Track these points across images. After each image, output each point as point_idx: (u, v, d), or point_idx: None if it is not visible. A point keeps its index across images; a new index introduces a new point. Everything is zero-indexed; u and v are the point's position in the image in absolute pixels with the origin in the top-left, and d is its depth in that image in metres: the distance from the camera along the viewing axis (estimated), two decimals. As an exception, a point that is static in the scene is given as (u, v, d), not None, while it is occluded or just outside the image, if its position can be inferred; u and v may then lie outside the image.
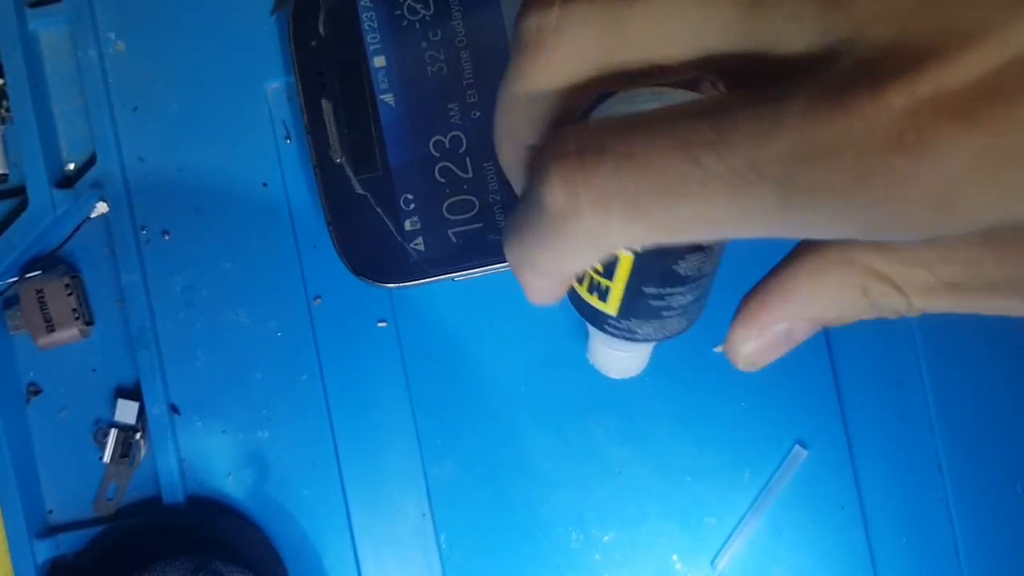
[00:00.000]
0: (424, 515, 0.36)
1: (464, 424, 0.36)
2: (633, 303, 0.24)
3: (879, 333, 0.36)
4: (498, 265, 0.33)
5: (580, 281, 0.25)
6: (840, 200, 0.14)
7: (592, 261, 0.20)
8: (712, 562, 0.36)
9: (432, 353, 0.36)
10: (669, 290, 0.24)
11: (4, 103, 0.35)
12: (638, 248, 0.19)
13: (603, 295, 0.25)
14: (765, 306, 0.21)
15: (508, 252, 0.21)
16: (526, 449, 0.36)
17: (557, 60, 0.18)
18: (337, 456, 0.36)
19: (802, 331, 0.22)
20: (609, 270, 0.24)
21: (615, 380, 0.33)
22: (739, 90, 0.16)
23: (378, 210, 0.33)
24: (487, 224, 0.33)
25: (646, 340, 0.26)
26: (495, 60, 0.33)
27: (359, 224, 0.33)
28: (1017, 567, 0.36)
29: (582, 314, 0.27)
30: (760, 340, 0.22)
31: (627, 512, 0.36)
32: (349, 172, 0.33)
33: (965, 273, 0.18)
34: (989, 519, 0.36)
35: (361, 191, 0.33)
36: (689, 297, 0.24)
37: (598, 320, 0.26)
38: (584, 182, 0.16)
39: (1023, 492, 0.36)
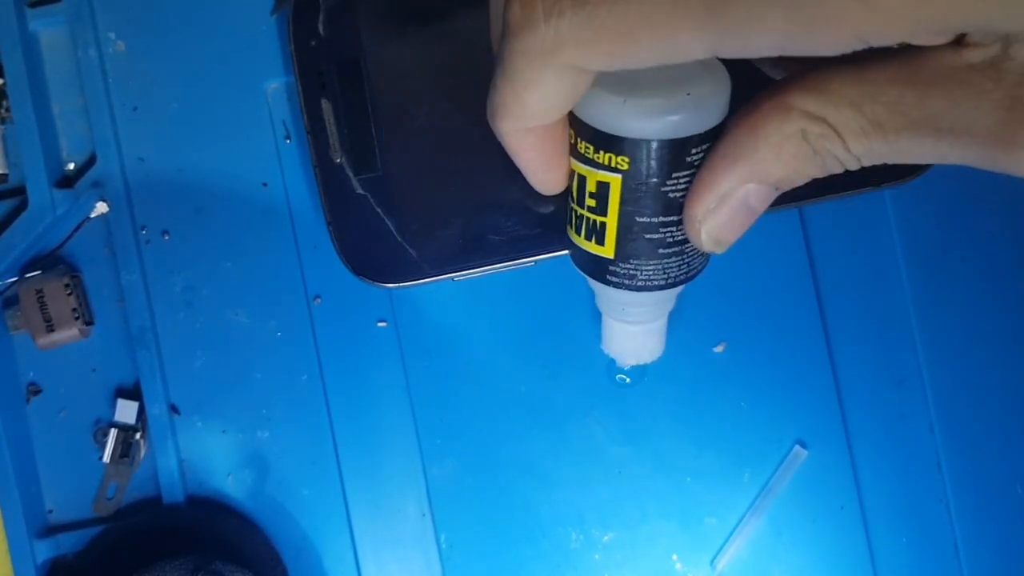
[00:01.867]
0: (424, 515, 0.36)
1: (464, 424, 0.36)
2: (629, 239, 0.24)
3: (879, 333, 0.36)
4: (498, 265, 0.33)
5: (578, 230, 0.25)
6: (773, 4, 0.16)
7: (550, 85, 0.21)
8: (712, 562, 0.36)
9: (432, 353, 0.36)
10: (663, 219, 0.24)
11: (4, 103, 0.35)
12: (591, 68, 0.20)
13: (600, 236, 0.25)
14: (714, 171, 0.22)
15: (488, 110, 0.23)
16: (526, 449, 0.36)
17: None
18: (337, 456, 0.36)
19: (757, 196, 0.22)
20: (602, 201, 0.24)
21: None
22: None
23: (378, 210, 0.33)
24: (487, 224, 0.33)
25: (649, 287, 0.25)
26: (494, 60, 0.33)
27: (359, 224, 0.33)
28: (1017, 567, 0.36)
29: (584, 270, 0.27)
30: (720, 213, 0.22)
31: (627, 512, 0.36)
32: (349, 172, 0.33)
33: (889, 112, 0.19)
34: (989, 519, 0.36)
35: (361, 191, 0.33)
36: (683, 233, 0.24)
37: (600, 270, 0.26)
38: None
39: (1023, 492, 0.36)
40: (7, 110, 0.35)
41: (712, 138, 0.22)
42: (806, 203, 0.33)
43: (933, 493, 0.36)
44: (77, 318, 0.35)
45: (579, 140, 0.24)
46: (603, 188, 0.23)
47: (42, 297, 0.34)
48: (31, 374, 0.36)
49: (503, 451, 0.36)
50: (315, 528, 0.36)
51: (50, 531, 0.36)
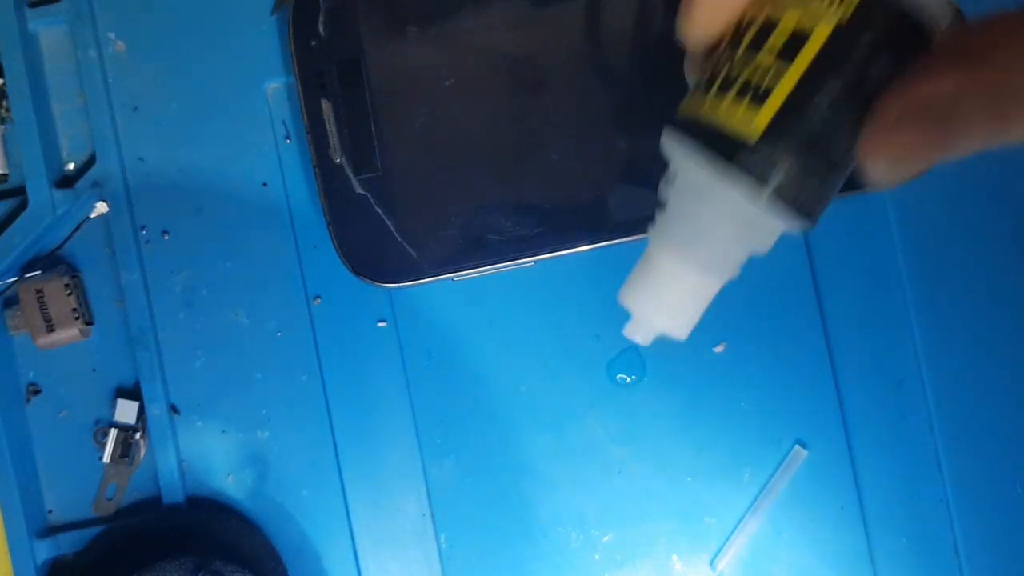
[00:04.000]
0: (424, 515, 0.36)
1: (464, 424, 0.36)
2: (796, 114, 0.18)
3: (879, 333, 0.36)
4: (498, 265, 0.33)
5: (725, 89, 0.19)
6: None
7: None
8: (712, 562, 0.36)
9: (432, 353, 0.36)
10: (843, 113, 0.18)
11: (4, 103, 0.35)
12: None
13: (759, 98, 0.18)
14: (936, 70, 0.17)
15: None
16: (526, 449, 0.36)
17: None
18: (337, 456, 0.36)
19: (964, 136, 0.17)
20: (791, 50, 0.18)
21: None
22: None
23: (378, 210, 0.33)
24: (487, 224, 0.33)
25: (774, 194, 0.19)
26: (494, 60, 0.33)
27: (359, 224, 0.33)
28: (1017, 567, 0.36)
29: (697, 149, 0.19)
30: (910, 134, 0.17)
31: (627, 512, 0.36)
32: (349, 172, 0.33)
33: None
34: (989, 519, 0.36)
35: (361, 191, 0.33)
36: (850, 148, 0.19)
37: (726, 150, 0.19)
38: None
39: (1023, 492, 0.36)
40: (7, 110, 0.35)
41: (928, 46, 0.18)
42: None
43: (933, 493, 0.36)
44: (77, 318, 0.35)
45: None
46: (796, 41, 0.18)
47: (42, 297, 0.34)
48: (31, 374, 0.36)
49: (503, 451, 0.36)
50: (315, 528, 0.36)
51: (50, 531, 0.36)
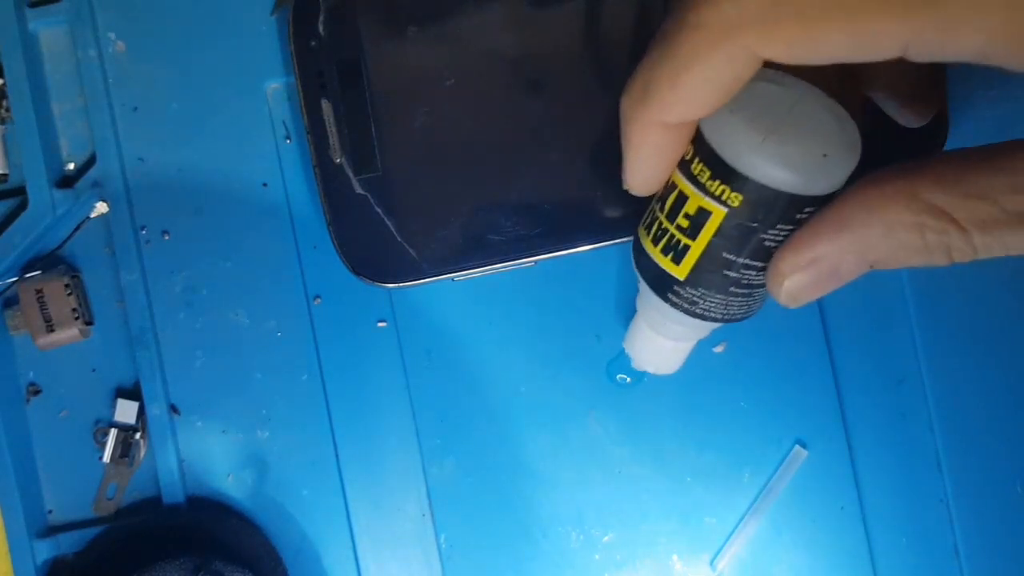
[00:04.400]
0: (424, 515, 0.36)
1: (464, 424, 0.36)
2: (706, 269, 0.23)
3: (879, 333, 0.36)
4: (498, 265, 0.33)
5: (656, 241, 0.24)
6: None
7: (714, 70, 0.19)
8: (712, 562, 0.36)
9: (432, 353, 0.36)
10: (748, 262, 0.23)
11: (4, 103, 0.35)
12: (766, 55, 0.18)
13: (678, 255, 0.23)
14: (818, 235, 0.21)
15: (626, 94, 0.21)
16: (526, 449, 0.36)
17: None
18: (337, 456, 0.36)
19: (849, 268, 0.21)
20: (695, 226, 0.22)
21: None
22: None
23: (378, 210, 0.33)
24: (487, 224, 0.33)
25: (705, 317, 0.25)
26: (494, 60, 0.33)
27: (359, 224, 0.33)
28: (1017, 567, 0.36)
29: (646, 277, 0.25)
30: (808, 273, 0.21)
31: (627, 512, 0.36)
32: (349, 172, 0.33)
33: None
34: (989, 519, 0.36)
35: (361, 191, 0.33)
36: (760, 279, 0.23)
37: (663, 285, 0.25)
38: None
39: (1023, 492, 0.36)
40: (7, 110, 0.35)
41: (827, 201, 0.22)
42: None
43: (933, 493, 0.36)
44: (77, 318, 0.35)
45: (696, 159, 0.22)
46: (702, 215, 0.22)
47: (42, 297, 0.34)
48: (31, 374, 0.36)
49: (503, 451, 0.36)
50: (315, 528, 0.36)
51: (50, 531, 0.36)
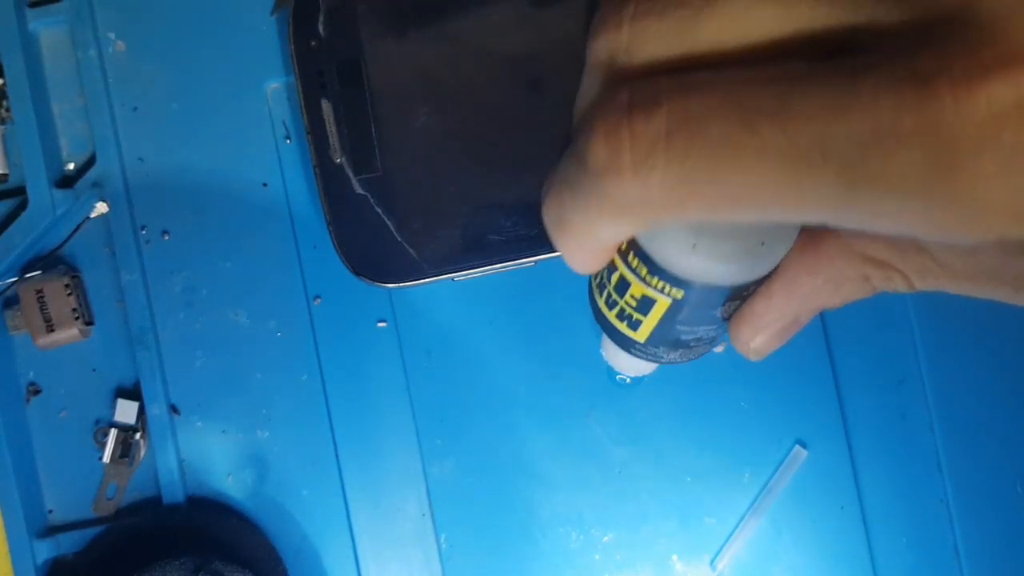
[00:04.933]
0: (424, 515, 0.36)
1: (464, 424, 0.36)
2: (664, 336, 0.23)
3: (879, 333, 0.36)
4: (498, 265, 0.33)
5: (610, 308, 0.24)
6: (911, 194, 0.13)
7: (627, 232, 0.19)
8: (712, 562, 0.36)
9: (432, 353, 0.36)
10: (705, 328, 0.23)
11: (4, 103, 0.35)
12: (680, 217, 0.17)
13: (633, 325, 0.23)
14: (770, 304, 0.21)
15: (544, 210, 0.20)
16: (526, 449, 0.36)
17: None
18: (337, 456, 0.36)
19: (807, 319, 0.22)
20: (644, 307, 0.22)
21: (615, 380, 0.33)
22: (810, 60, 0.14)
23: (378, 210, 0.33)
24: (487, 224, 0.33)
25: (671, 363, 0.26)
26: (494, 60, 0.33)
27: (359, 224, 0.33)
28: (1017, 567, 0.36)
29: (604, 331, 0.26)
30: (767, 333, 0.22)
31: (627, 512, 0.36)
32: (349, 172, 0.33)
33: (965, 261, 0.18)
34: (989, 519, 0.36)
35: (361, 191, 0.33)
36: (721, 330, 0.24)
37: (624, 343, 0.25)
38: (629, 138, 0.15)
39: (1023, 492, 0.36)
40: (7, 110, 0.35)
41: (772, 273, 0.21)
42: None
43: (933, 493, 0.36)
44: (77, 318, 0.35)
45: (632, 255, 0.22)
46: (647, 301, 0.22)
47: (42, 297, 0.34)
48: (31, 374, 0.36)
49: (503, 451, 0.36)
50: (315, 528, 0.36)
51: (50, 531, 0.36)
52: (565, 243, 0.20)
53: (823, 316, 0.36)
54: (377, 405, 0.36)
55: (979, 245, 0.15)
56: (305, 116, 0.33)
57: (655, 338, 0.24)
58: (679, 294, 0.21)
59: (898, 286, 0.19)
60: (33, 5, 0.36)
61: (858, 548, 0.36)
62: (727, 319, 0.23)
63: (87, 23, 0.35)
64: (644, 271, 0.22)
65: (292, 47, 0.33)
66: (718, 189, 0.14)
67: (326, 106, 0.33)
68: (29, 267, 0.36)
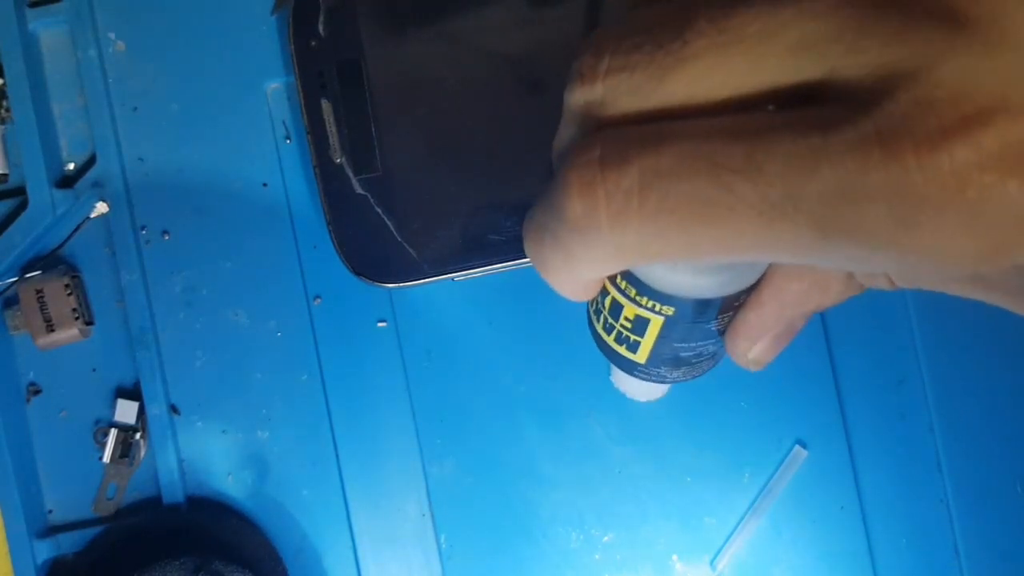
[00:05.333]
0: (424, 515, 0.36)
1: (464, 424, 0.36)
2: (664, 354, 0.24)
3: (879, 333, 0.36)
4: (498, 265, 0.33)
5: (608, 332, 0.24)
6: (880, 244, 0.14)
7: (608, 272, 0.19)
8: (712, 562, 0.36)
9: (432, 353, 0.36)
10: (702, 343, 0.23)
11: (4, 103, 0.35)
12: (659, 262, 0.18)
13: (632, 347, 0.24)
14: (763, 315, 0.22)
15: (527, 249, 0.20)
16: (526, 449, 0.36)
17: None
18: (337, 456, 0.36)
19: (802, 322, 0.22)
20: (639, 327, 0.23)
21: (615, 381, 0.33)
22: (779, 112, 0.14)
23: (378, 210, 0.33)
24: (487, 224, 0.33)
25: (676, 381, 0.26)
26: (494, 60, 0.33)
27: (359, 224, 0.33)
28: (1017, 567, 0.36)
29: (608, 358, 0.26)
30: (764, 342, 0.22)
31: (627, 512, 0.36)
32: (349, 172, 0.33)
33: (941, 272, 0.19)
34: (989, 519, 0.36)
35: (361, 191, 0.33)
36: (720, 344, 0.24)
37: (625, 366, 0.25)
38: (604, 195, 0.15)
39: (1023, 492, 0.36)
40: (7, 110, 0.35)
41: (761, 280, 0.22)
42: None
43: (933, 493, 0.36)
44: (77, 318, 0.35)
45: (619, 277, 0.22)
46: (641, 321, 0.23)
47: (42, 297, 0.34)
48: (31, 374, 0.36)
49: (503, 451, 0.36)
50: (315, 528, 0.36)
51: (50, 531, 0.36)
52: (551, 280, 0.20)
53: (823, 316, 0.36)
54: (377, 405, 0.36)
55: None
56: (305, 116, 0.33)
57: (655, 358, 0.24)
58: (670, 311, 0.22)
59: (881, 284, 0.20)
60: (33, 5, 0.36)
61: (858, 548, 0.36)
62: (723, 332, 0.23)
63: (87, 23, 0.35)
64: (633, 292, 0.22)
65: (292, 47, 0.33)
66: (691, 241, 0.15)
67: (326, 106, 0.33)
68: (29, 267, 0.36)
